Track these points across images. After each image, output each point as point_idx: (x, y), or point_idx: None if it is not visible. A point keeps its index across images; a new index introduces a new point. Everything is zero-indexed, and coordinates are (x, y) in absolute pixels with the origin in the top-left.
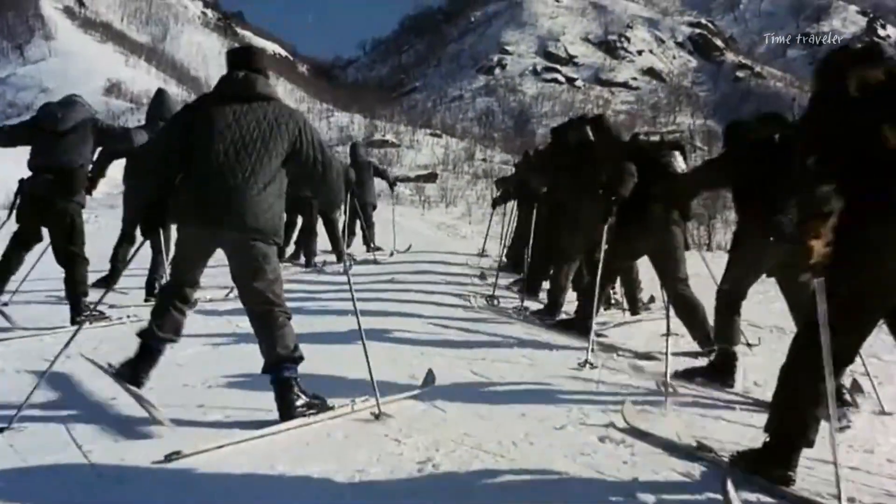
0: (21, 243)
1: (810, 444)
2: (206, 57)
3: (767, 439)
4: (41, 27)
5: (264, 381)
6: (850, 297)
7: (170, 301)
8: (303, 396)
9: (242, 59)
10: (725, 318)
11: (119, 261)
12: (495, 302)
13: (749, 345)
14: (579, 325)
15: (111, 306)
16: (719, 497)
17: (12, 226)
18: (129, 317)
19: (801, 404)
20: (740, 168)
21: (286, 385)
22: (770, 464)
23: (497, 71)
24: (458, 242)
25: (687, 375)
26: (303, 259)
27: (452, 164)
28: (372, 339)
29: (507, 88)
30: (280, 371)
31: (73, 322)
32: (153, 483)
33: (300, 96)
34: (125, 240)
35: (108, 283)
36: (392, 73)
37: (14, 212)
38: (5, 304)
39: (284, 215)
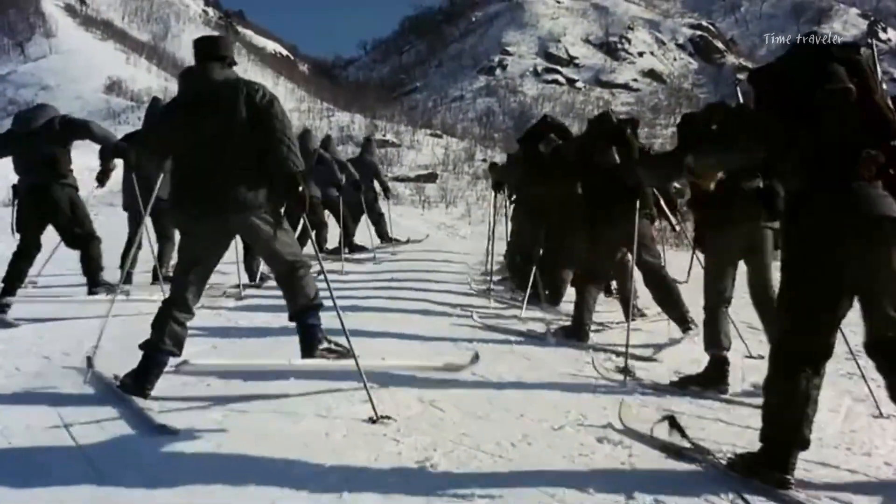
0: (24, 257)
1: (805, 446)
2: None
3: (763, 445)
4: (42, 25)
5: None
6: (807, 294)
7: (172, 315)
8: (325, 341)
9: (202, 51)
10: (712, 325)
11: (127, 266)
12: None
13: (751, 356)
14: (576, 331)
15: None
16: (717, 498)
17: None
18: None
19: (789, 407)
20: None
21: (310, 329)
22: (767, 467)
23: (498, 72)
24: (458, 243)
25: (681, 384)
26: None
27: (453, 165)
28: (365, 336)
29: (507, 89)
30: (304, 318)
31: (90, 293)
32: (151, 481)
33: (301, 95)
34: (130, 246)
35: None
36: (392, 73)
37: (15, 218)
38: (34, 283)
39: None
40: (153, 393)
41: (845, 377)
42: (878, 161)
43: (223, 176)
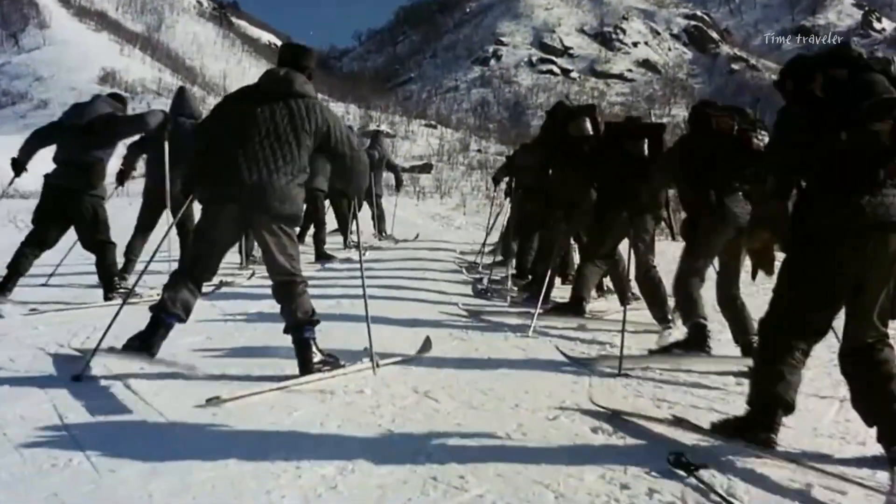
0: (34, 243)
1: (790, 409)
2: (202, 46)
3: (750, 409)
4: (36, 16)
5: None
6: (812, 279)
7: (185, 281)
8: (319, 354)
9: (288, 57)
10: (687, 299)
11: (133, 254)
12: (488, 295)
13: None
14: (574, 308)
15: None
16: (710, 488)
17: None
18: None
19: (776, 377)
20: (696, 156)
21: (305, 344)
22: (754, 429)
23: (492, 62)
24: (453, 233)
25: (665, 350)
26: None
27: (447, 155)
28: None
29: (502, 79)
30: (300, 332)
31: (105, 299)
32: (146, 472)
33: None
34: (139, 233)
35: (122, 273)
36: (387, 63)
37: (36, 208)
38: (44, 285)
39: (302, 205)
40: (147, 388)
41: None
42: None
43: (268, 177)
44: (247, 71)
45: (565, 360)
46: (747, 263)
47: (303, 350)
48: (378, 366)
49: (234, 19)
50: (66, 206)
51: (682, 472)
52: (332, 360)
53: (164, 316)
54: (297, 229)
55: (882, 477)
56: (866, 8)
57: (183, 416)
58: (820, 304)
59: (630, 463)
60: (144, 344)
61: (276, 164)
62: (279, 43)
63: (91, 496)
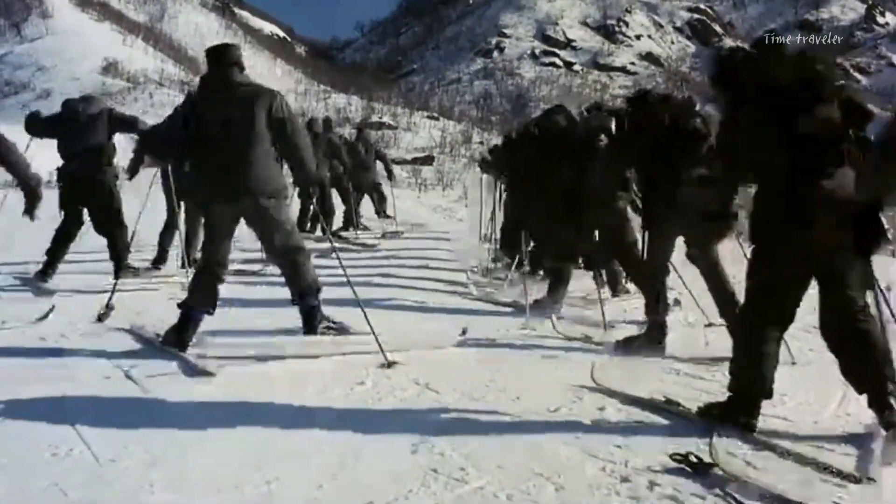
0: (67, 233)
1: (769, 395)
2: (204, 37)
3: (731, 394)
4: (38, 5)
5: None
6: (776, 265)
7: (206, 277)
8: (325, 321)
9: (213, 59)
10: (655, 290)
11: (165, 247)
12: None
13: (711, 323)
14: (548, 300)
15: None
16: (711, 484)
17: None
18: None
19: (755, 365)
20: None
21: (310, 311)
22: (735, 414)
23: (495, 54)
24: (454, 225)
25: (627, 343)
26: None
27: (449, 147)
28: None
29: (504, 72)
30: (305, 300)
31: (115, 278)
32: (147, 461)
33: (298, 77)
34: (169, 227)
35: (156, 264)
36: (390, 55)
37: (59, 200)
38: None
39: (283, 179)
40: (148, 377)
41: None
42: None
43: (241, 165)
44: (249, 61)
45: (566, 352)
46: None
47: (308, 316)
48: (390, 364)
49: (236, 10)
50: (82, 190)
51: (686, 468)
52: (338, 326)
53: (194, 312)
54: (285, 202)
55: (885, 472)
56: (870, 2)
57: (183, 406)
58: (786, 289)
59: (631, 456)
60: (178, 338)
61: (241, 149)
62: (281, 34)
63: (92, 485)
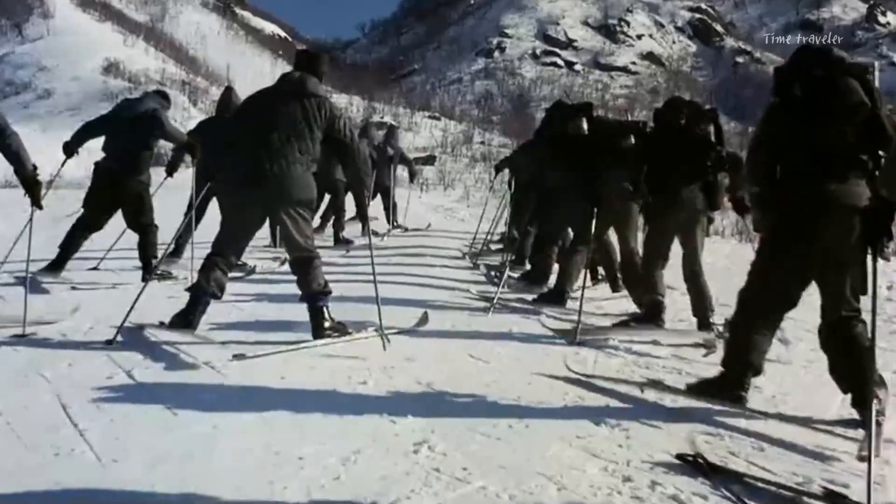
0: (85, 226)
1: (758, 372)
2: (205, 37)
3: (724, 370)
4: (39, 6)
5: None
6: (784, 255)
7: (217, 262)
8: (330, 321)
9: (304, 62)
10: (650, 276)
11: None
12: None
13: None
14: (556, 297)
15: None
16: (713, 484)
17: None
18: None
19: (749, 344)
20: (659, 147)
21: (318, 311)
22: (727, 388)
23: (496, 54)
24: (456, 225)
25: (623, 323)
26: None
27: (451, 147)
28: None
29: (506, 72)
30: (314, 301)
31: (143, 279)
32: (149, 462)
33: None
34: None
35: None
36: (391, 55)
37: (88, 193)
38: (95, 269)
39: (314, 191)
40: (149, 377)
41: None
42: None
43: (287, 168)
44: (250, 62)
45: (569, 352)
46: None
47: (316, 316)
48: (388, 340)
49: (237, 10)
50: (114, 190)
51: (688, 468)
52: (341, 327)
53: (202, 294)
54: (311, 212)
55: (885, 472)
56: (871, 2)
57: (185, 406)
58: (790, 279)
59: (633, 455)
60: (185, 320)
61: (294, 156)
62: (283, 34)
63: (94, 486)
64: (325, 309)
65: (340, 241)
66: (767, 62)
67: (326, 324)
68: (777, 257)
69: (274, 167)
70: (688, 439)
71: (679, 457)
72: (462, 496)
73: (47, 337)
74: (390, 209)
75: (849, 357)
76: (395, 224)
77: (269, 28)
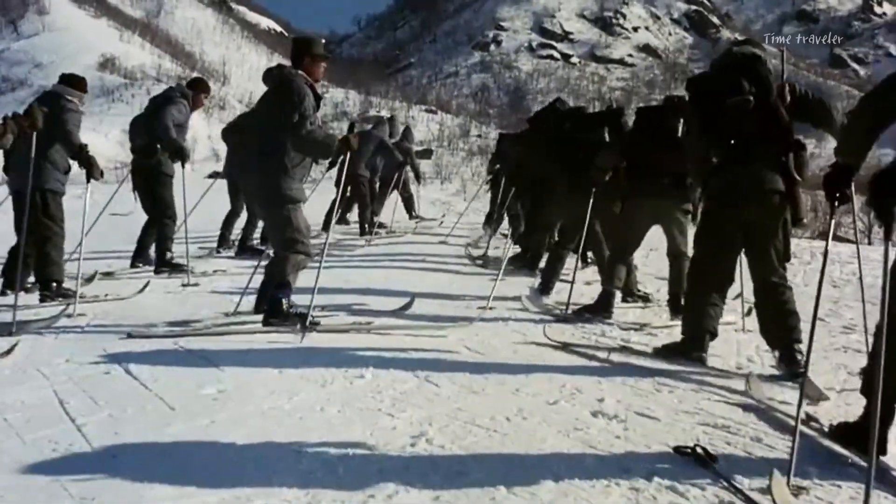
0: (147, 222)
1: (714, 335)
2: (201, 32)
3: (683, 336)
4: (35, 2)
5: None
6: (710, 233)
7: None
8: (286, 312)
9: (291, 51)
10: (615, 266)
11: (227, 229)
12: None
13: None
14: (543, 286)
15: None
16: (711, 474)
17: None
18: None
19: (702, 312)
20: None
21: (275, 301)
22: (689, 350)
23: (492, 47)
24: (453, 219)
25: (578, 312)
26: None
27: (447, 141)
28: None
29: (502, 65)
30: (275, 291)
31: (155, 272)
32: (147, 457)
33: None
34: (232, 214)
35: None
36: (387, 49)
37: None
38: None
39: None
40: (147, 373)
41: (839, 351)
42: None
43: (260, 161)
44: (246, 56)
45: (565, 343)
46: None
47: (271, 305)
48: (307, 332)
49: (233, 5)
50: (135, 180)
51: (686, 460)
52: (300, 317)
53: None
54: (295, 207)
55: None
56: None
57: (183, 401)
58: (719, 253)
59: (630, 447)
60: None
61: (269, 150)
62: (279, 29)
63: (92, 481)
64: (282, 300)
65: (366, 233)
66: None
67: (278, 316)
68: (704, 238)
69: (251, 161)
70: (686, 431)
71: (677, 448)
72: (460, 489)
73: (44, 332)
74: (406, 201)
75: (778, 320)
76: (413, 214)
77: (265, 23)
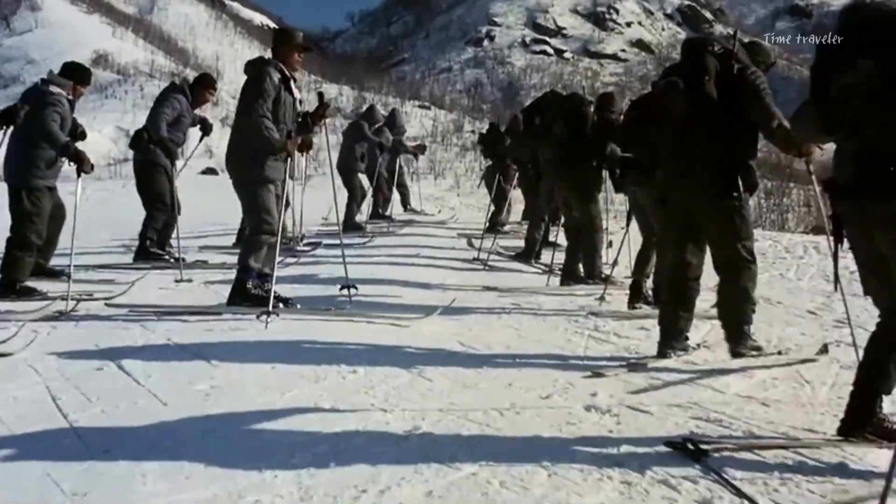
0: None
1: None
2: (194, 28)
3: (661, 327)
4: None
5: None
6: (662, 227)
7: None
8: (249, 293)
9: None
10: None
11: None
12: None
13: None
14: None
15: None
16: (703, 468)
17: None
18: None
19: (673, 306)
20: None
21: (239, 283)
22: (671, 340)
23: (486, 43)
24: (447, 214)
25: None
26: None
27: (441, 136)
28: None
29: (495, 60)
30: (240, 273)
31: (135, 260)
32: (139, 452)
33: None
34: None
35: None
36: (380, 44)
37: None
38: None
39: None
40: (139, 368)
41: (832, 345)
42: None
43: (233, 146)
44: (240, 53)
45: (559, 339)
46: None
47: (235, 287)
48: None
49: (226, 1)
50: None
51: (678, 454)
52: (263, 299)
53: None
54: (264, 187)
55: (880, 457)
56: None
57: (175, 396)
58: (680, 239)
59: (623, 441)
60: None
61: (238, 136)
62: (272, 25)
63: (84, 476)
64: (246, 283)
65: (353, 228)
66: None
67: (242, 298)
68: (668, 224)
69: (229, 148)
70: (678, 425)
71: (669, 442)
72: (452, 483)
73: (35, 329)
74: (402, 195)
75: (726, 297)
76: (407, 207)
77: (258, 19)
